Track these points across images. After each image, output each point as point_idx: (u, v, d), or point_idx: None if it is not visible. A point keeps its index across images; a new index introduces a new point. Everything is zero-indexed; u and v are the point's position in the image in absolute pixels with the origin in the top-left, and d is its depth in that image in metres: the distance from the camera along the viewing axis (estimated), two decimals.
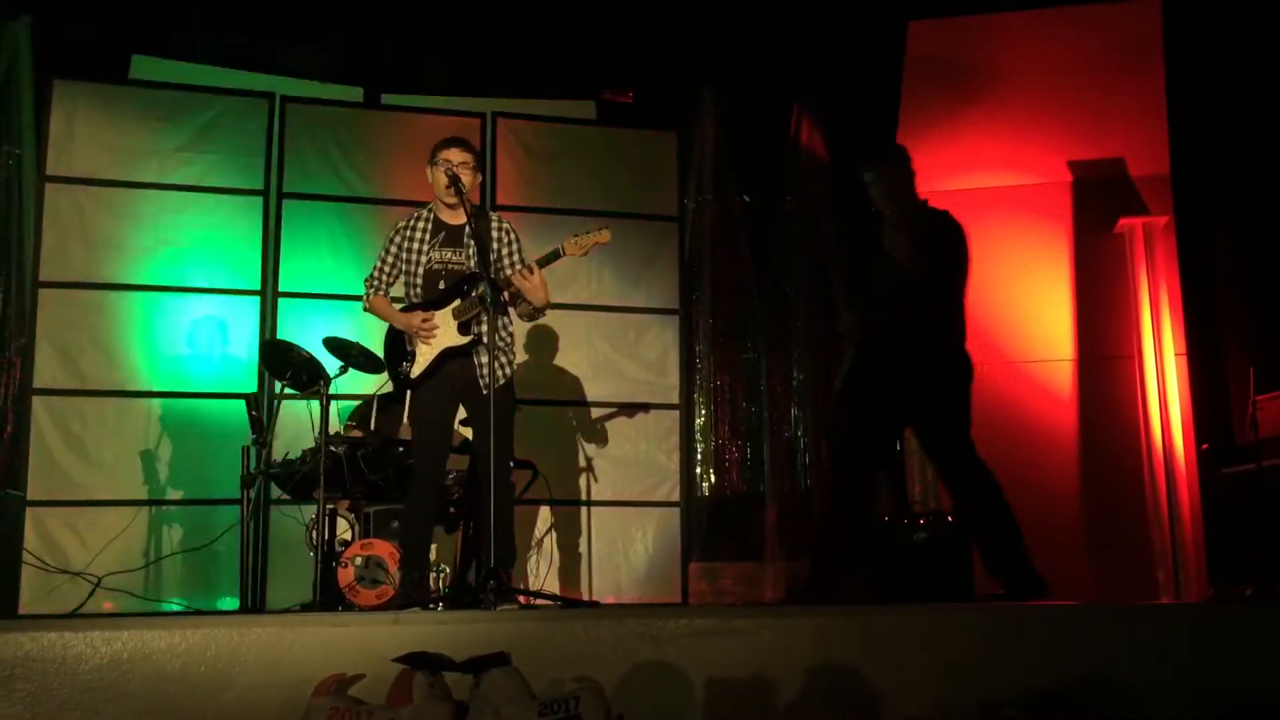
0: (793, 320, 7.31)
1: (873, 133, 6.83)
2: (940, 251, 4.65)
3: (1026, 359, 6.72)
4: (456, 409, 4.78)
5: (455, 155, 4.68)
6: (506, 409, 4.61)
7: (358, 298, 6.59)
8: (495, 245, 4.72)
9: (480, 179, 4.90)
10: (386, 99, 7.11)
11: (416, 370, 4.65)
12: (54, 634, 2.75)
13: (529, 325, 5.29)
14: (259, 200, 6.58)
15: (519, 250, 4.76)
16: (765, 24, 6.89)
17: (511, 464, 4.76)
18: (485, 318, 4.43)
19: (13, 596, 5.73)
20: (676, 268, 7.14)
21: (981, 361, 6.66)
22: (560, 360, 6.83)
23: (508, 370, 4.69)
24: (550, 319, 6.86)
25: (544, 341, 6.83)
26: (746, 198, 7.41)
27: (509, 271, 4.63)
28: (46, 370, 6.12)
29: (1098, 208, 6.77)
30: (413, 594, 4.52)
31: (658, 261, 7.14)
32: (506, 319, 4.68)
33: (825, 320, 6.96)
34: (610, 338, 7.02)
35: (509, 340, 4.73)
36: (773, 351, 7.30)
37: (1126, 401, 6.63)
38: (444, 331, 4.63)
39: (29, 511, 5.92)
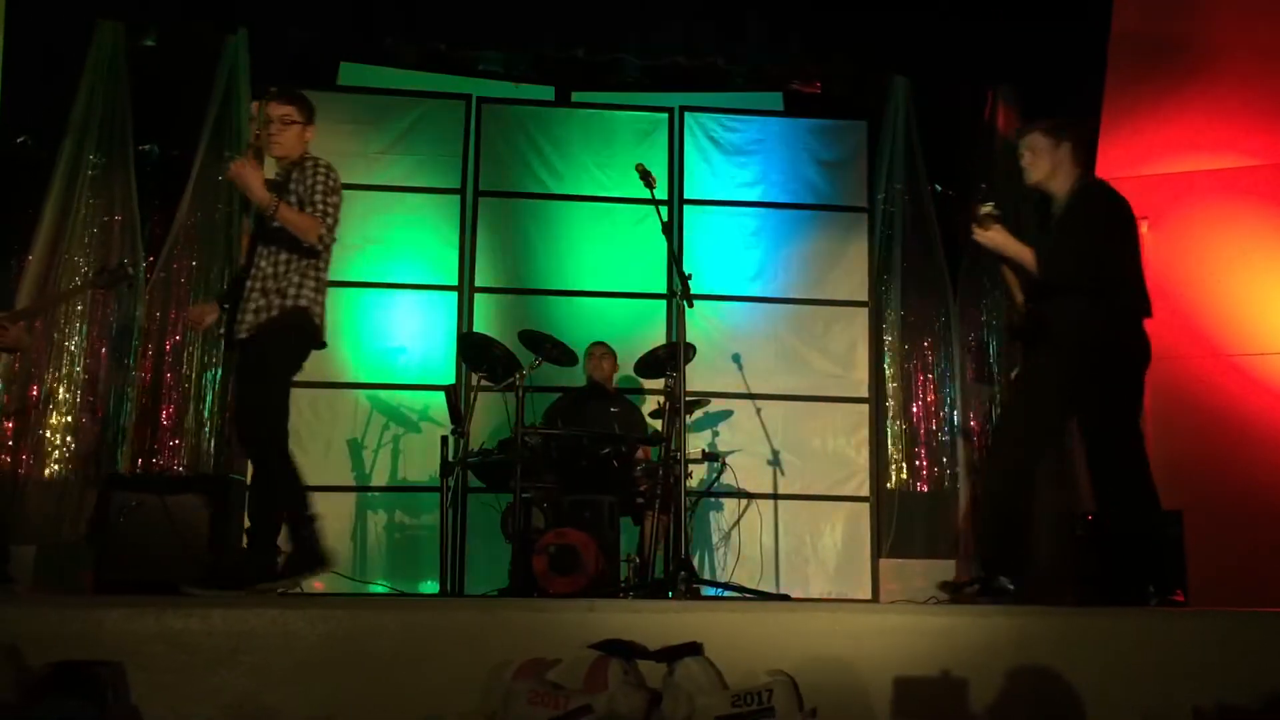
0: (987, 312, 7.08)
1: (1074, 116, 6.55)
2: (1094, 230, 4.13)
3: (1241, 352, 6.33)
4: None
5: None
6: (260, 359, 4.24)
7: (551, 292, 6.86)
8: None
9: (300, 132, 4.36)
10: (576, 96, 7.26)
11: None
12: (275, 611, 2.93)
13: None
14: (456, 198, 6.82)
15: (308, 188, 4.24)
16: (958, 6, 6.69)
17: (266, 424, 4.23)
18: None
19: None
20: (866, 259, 7.03)
21: (1193, 354, 6.37)
22: (747, 353, 6.82)
23: (263, 316, 4.21)
24: (737, 311, 6.91)
25: (731, 334, 6.85)
26: (939, 186, 7.23)
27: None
28: None
29: None
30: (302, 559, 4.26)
31: (847, 252, 7.05)
32: (280, 260, 4.24)
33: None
34: (798, 330, 6.97)
35: (276, 284, 4.22)
36: (966, 344, 7.09)
37: None
38: None
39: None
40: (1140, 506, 4.12)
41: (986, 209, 4.20)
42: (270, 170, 4.39)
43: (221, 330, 4.47)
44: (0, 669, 2.47)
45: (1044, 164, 4.26)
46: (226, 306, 4.44)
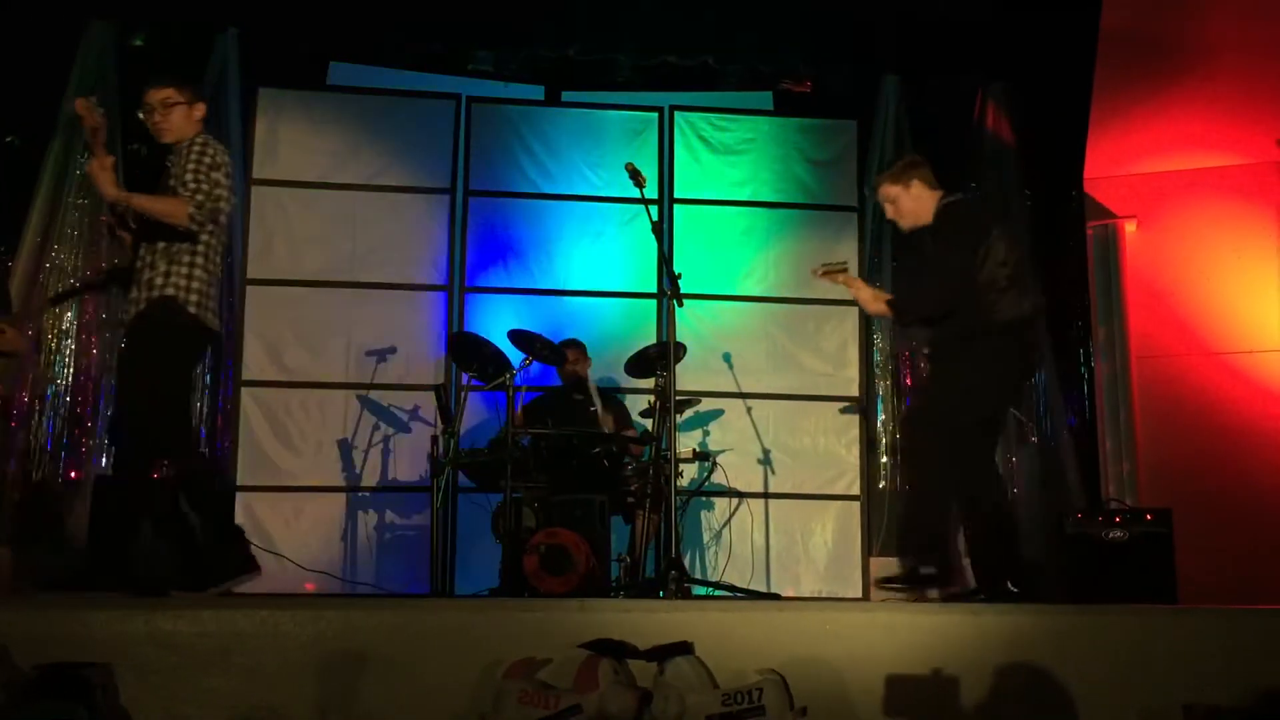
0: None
1: (1064, 114, 6.58)
2: (950, 254, 4.29)
3: (1232, 350, 6.35)
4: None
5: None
6: (131, 354, 4.12)
7: (543, 292, 6.86)
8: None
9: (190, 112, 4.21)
10: (566, 96, 7.26)
11: None
12: (265, 612, 2.92)
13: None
14: (446, 198, 6.81)
15: (180, 168, 4.07)
16: (947, 6, 6.70)
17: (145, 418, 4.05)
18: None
19: None
20: (856, 258, 7.03)
21: (1181, 352, 6.39)
22: (738, 352, 6.83)
23: (133, 309, 4.09)
24: (728, 310, 6.92)
25: (722, 333, 6.85)
26: None
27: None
28: (253, 363, 6.48)
29: None
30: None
31: (837, 251, 7.00)
32: (154, 249, 4.09)
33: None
34: (789, 329, 6.98)
35: (147, 275, 4.07)
36: None
37: None
38: None
39: (238, 496, 6.28)
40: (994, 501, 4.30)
41: (830, 266, 4.56)
42: None
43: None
44: None
45: (905, 209, 4.44)
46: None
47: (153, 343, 4.04)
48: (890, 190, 4.46)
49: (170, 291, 4.00)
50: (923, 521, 4.30)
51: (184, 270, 4.03)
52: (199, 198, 3.98)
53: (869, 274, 7.05)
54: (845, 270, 4.57)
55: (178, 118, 4.16)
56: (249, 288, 6.53)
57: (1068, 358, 6.78)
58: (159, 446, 4.09)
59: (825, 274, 4.61)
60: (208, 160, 4.05)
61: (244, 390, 6.45)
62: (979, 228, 4.26)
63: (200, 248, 4.08)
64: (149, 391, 4.02)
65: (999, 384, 4.31)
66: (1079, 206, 6.65)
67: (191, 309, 4.05)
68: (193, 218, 3.97)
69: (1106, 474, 6.38)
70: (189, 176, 3.99)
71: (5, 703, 2.41)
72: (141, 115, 4.20)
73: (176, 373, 4.17)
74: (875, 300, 4.45)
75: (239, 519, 6.17)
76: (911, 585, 4.19)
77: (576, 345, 6.25)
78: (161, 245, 4.03)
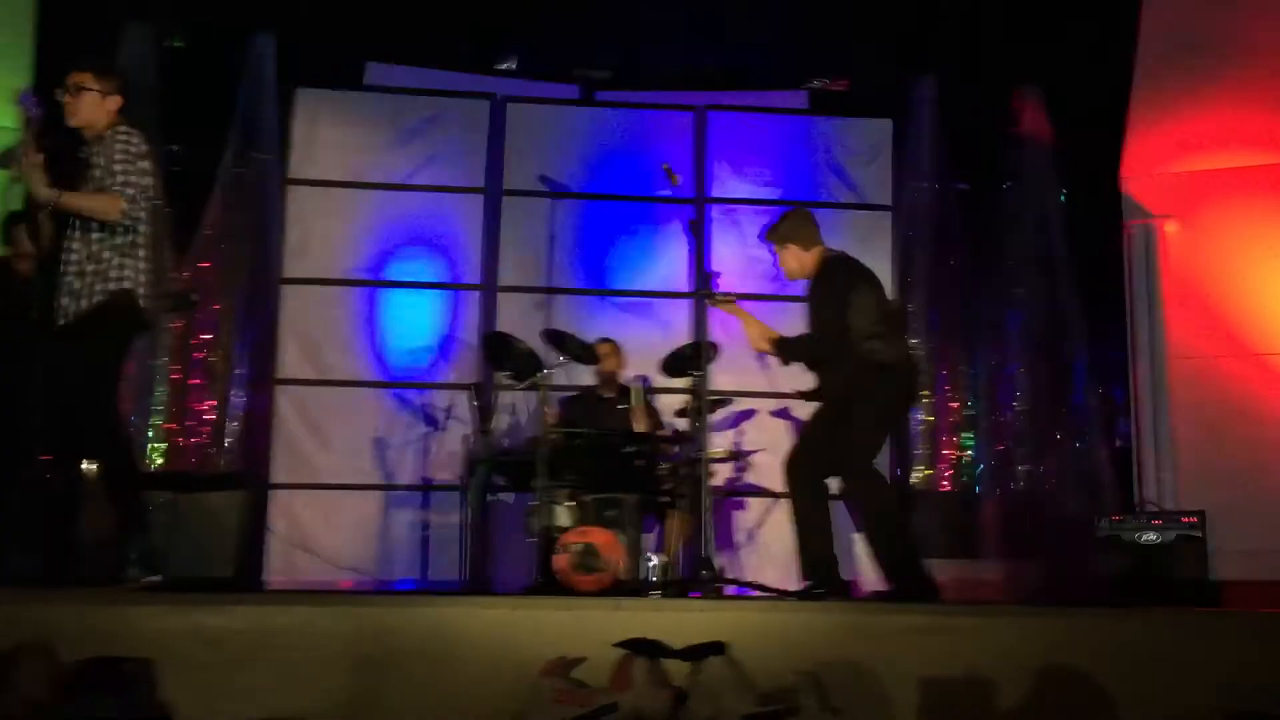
0: (1013, 312, 7.04)
1: (1101, 113, 6.52)
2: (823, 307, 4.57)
3: (1272, 351, 6.26)
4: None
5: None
6: (87, 347, 3.99)
7: (576, 291, 6.87)
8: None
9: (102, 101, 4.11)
10: (600, 95, 7.27)
11: None
12: (302, 608, 2.95)
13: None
14: (480, 197, 6.84)
15: (107, 160, 4.00)
16: (984, 6, 6.67)
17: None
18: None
19: (259, 573, 6.15)
20: (890, 258, 6.99)
21: (1220, 353, 6.31)
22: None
23: (84, 302, 3.99)
24: (761, 310, 6.86)
25: None
26: (965, 185, 7.19)
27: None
28: (289, 361, 6.54)
29: None
30: None
31: (871, 251, 6.93)
32: (94, 240, 4.01)
33: (1050, 312, 6.69)
34: None
35: (95, 266, 3.99)
36: (991, 345, 7.05)
37: None
38: None
39: (272, 493, 6.33)
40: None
41: (720, 297, 4.86)
42: None
43: (34, 315, 4.11)
44: (31, 665, 2.50)
45: (789, 266, 4.68)
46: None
47: (113, 335, 4.03)
48: (777, 247, 4.72)
49: (127, 285, 3.98)
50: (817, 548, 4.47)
51: (134, 264, 4.01)
52: (130, 191, 3.94)
53: (899, 275, 7.00)
54: (734, 303, 4.81)
55: (87, 104, 4.08)
56: (284, 287, 6.59)
57: (1103, 358, 6.72)
58: (112, 439, 4.05)
59: (716, 303, 4.88)
60: (133, 151, 3.99)
61: (279, 389, 6.51)
62: (847, 284, 4.53)
63: (141, 240, 4.05)
64: (113, 383, 4.04)
65: (880, 416, 4.56)
66: (1116, 205, 6.59)
67: (142, 303, 4.03)
68: (126, 213, 3.93)
69: (1142, 476, 6.31)
70: (117, 168, 3.95)
71: (48, 696, 2.45)
72: (57, 93, 4.11)
73: (122, 366, 4.18)
74: (761, 339, 4.69)
75: (275, 517, 6.25)
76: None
77: (610, 344, 6.26)
78: (108, 236, 3.98)
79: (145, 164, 4.01)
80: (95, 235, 3.97)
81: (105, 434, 4.00)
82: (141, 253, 4.04)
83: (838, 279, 4.56)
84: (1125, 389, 6.61)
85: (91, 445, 4.06)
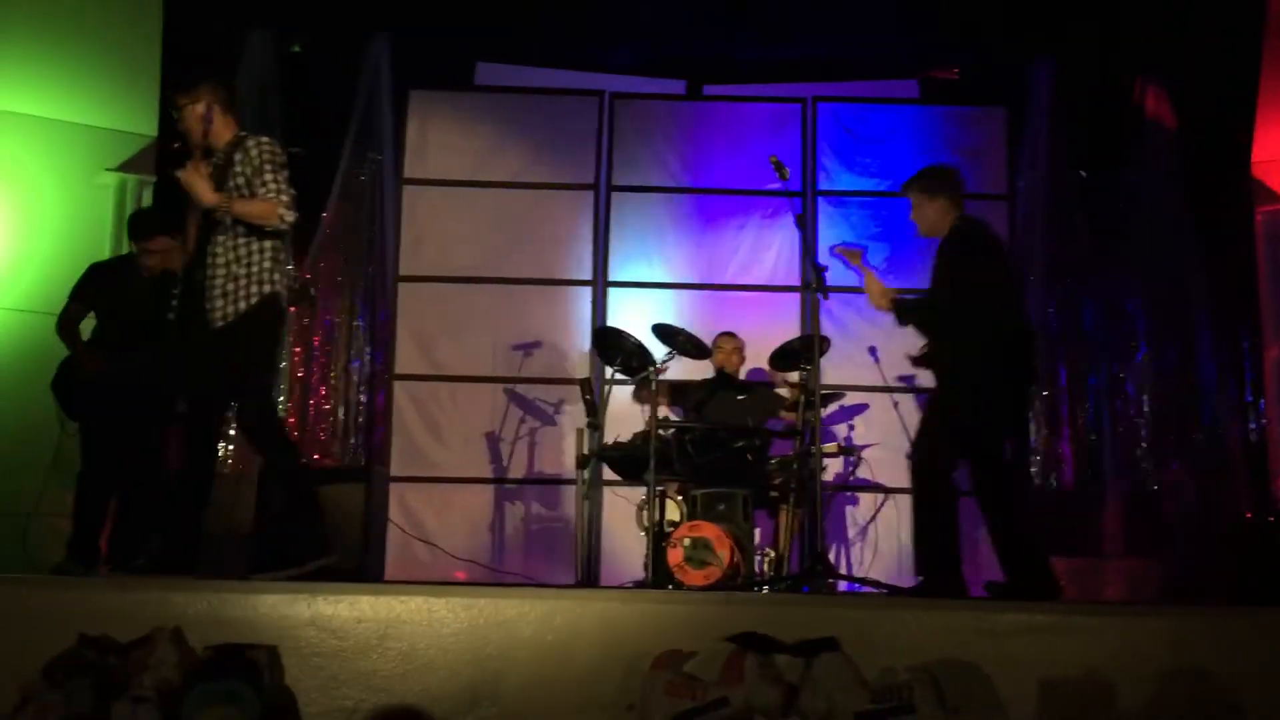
0: (1136, 301, 6.83)
1: (1229, 97, 6.27)
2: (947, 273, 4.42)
3: None
4: None
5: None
6: (244, 349, 4.12)
7: (685, 286, 6.88)
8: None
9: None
10: (708, 89, 7.26)
11: None
12: (420, 599, 3.00)
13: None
14: (590, 193, 6.89)
15: (255, 169, 4.11)
16: None
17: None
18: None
19: (380, 564, 6.30)
20: (1006, 248, 6.83)
21: None
22: (883, 345, 6.70)
23: (241, 304, 4.11)
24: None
25: (867, 326, 6.74)
26: (1084, 173, 6.99)
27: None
28: (405, 357, 6.68)
29: None
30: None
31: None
32: (242, 244, 4.12)
33: (1176, 301, 6.47)
34: None
35: (247, 270, 4.11)
36: (1115, 335, 6.85)
37: None
38: None
39: (391, 486, 6.48)
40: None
41: (847, 246, 4.88)
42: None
43: (172, 315, 4.32)
44: (164, 651, 2.60)
45: (926, 218, 4.58)
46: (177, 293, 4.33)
47: (265, 336, 4.19)
48: (916, 196, 4.61)
49: (277, 289, 4.13)
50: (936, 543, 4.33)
51: (281, 267, 4.17)
52: (284, 198, 4.06)
53: (1017, 265, 6.85)
54: (860, 257, 4.75)
55: (200, 119, 4.18)
56: (401, 285, 6.73)
57: (1234, 348, 6.47)
58: (281, 433, 4.28)
59: (840, 252, 4.82)
60: (279, 159, 4.13)
61: (396, 384, 6.65)
62: (973, 248, 4.42)
63: (283, 243, 4.21)
64: (265, 384, 4.25)
65: (998, 392, 4.37)
66: (1246, 191, 6.34)
67: (284, 303, 4.21)
68: (283, 218, 4.06)
69: (1276, 468, 6.06)
70: (269, 178, 4.07)
71: (179, 680, 2.55)
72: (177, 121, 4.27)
73: (276, 365, 4.47)
74: (882, 295, 4.58)
75: (393, 510, 6.39)
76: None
77: (731, 337, 6.22)
78: (258, 240, 4.11)
79: (287, 172, 4.14)
80: (243, 239, 4.11)
81: (274, 430, 4.21)
82: (280, 257, 4.19)
83: (964, 244, 4.45)
84: (1258, 378, 6.36)
85: (263, 442, 4.23)
